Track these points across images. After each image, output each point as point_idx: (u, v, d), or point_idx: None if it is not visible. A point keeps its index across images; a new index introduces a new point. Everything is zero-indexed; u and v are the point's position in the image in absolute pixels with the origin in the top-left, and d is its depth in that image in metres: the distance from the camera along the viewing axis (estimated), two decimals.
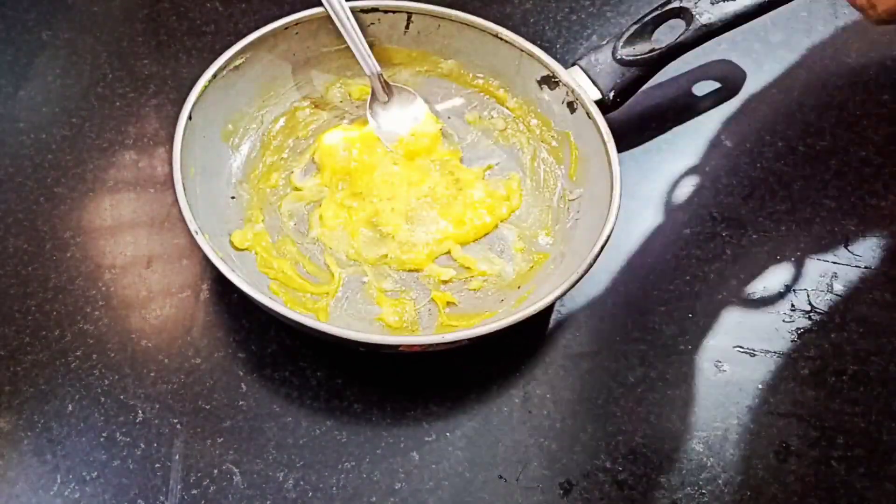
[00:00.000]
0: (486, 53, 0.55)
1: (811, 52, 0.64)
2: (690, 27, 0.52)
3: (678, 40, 0.52)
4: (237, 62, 0.51)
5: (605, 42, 0.54)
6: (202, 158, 0.50)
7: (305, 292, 0.49)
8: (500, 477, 0.45)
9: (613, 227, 0.46)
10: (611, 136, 0.50)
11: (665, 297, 0.52)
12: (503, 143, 0.56)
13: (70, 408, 0.46)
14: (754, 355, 0.50)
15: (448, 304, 0.49)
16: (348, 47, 0.53)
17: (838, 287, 0.53)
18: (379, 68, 0.54)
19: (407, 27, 0.55)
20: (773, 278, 0.53)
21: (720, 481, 0.45)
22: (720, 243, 0.54)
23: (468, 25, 0.54)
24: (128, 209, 0.53)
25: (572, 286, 0.44)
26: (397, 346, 0.44)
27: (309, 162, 0.55)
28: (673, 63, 0.54)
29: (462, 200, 0.53)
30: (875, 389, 0.49)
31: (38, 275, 0.50)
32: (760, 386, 0.49)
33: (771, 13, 0.54)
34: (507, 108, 0.57)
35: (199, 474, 0.44)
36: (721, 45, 0.62)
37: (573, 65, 0.54)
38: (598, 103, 0.52)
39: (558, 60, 0.53)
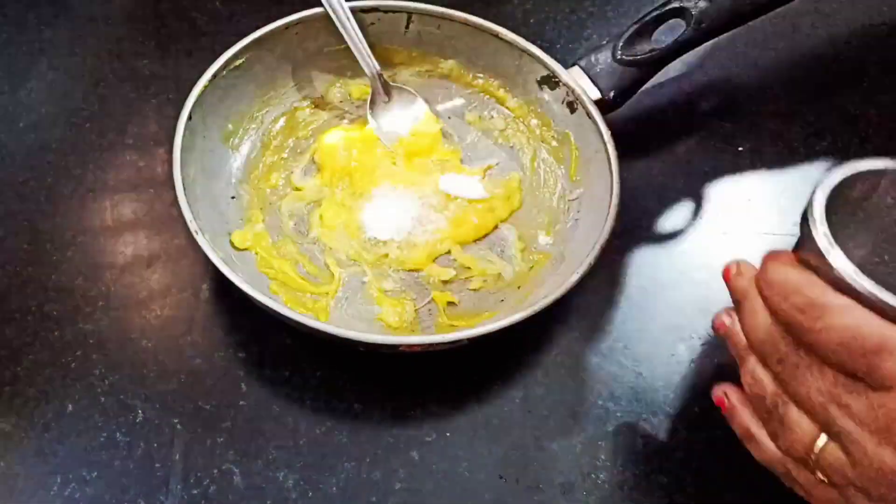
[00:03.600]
0: (486, 53, 0.55)
1: (811, 51, 0.64)
2: (690, 27, 0.52)
3: (678, 40, 0.52)
4: (237, 62, 0.51)
5: (605, 42, 0.54)
6: (202, 158, 0.50)
7: (305, 292, 0.49)
8: (500, 477, 0.45)
9: (613, 227, 0.46)
10: (611, 136, 0.50)
11: (665, 297, 0.52)
12: (503, 143, 0.56)
13: (70, 408, 0.45)
14: None
15: (448, 303, 0.49)
16: (348, 47, 0.54)
17: None
18: (379, 68, 0.54)
19: (407, 27, 0.55)
20: None
21: (721, 482, 0.45)
22: (721, 244, 0.54)
23: (468, 25, 0.54)
24: (128, 209, 0.53)
25: (572, 286, 0.44)
26: (397, 346, 0.44)
27: (309, 162, 0.55)
28: (673, 63, 0.54)
29: (462, 200, 0.53)
30: None
31: (38, 275, 0.50)
32: None
33: (771, 13, 0.54)
34: (507, 108, 0.57)
35: (199, 474, 0.44)
36: (721, 44, 0.62)
37: (573, 65, 0.54)
38: (598, 103, 0.52)
39: (558, 60, 0.53)
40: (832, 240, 0.32)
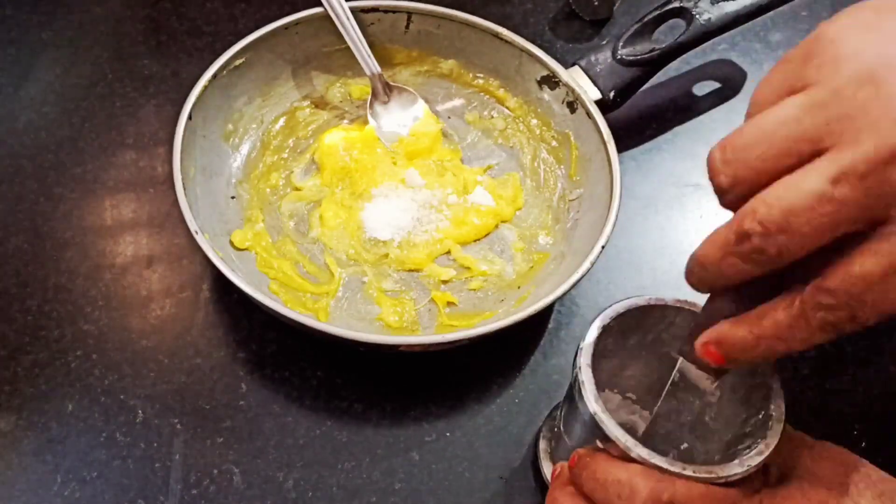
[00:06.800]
0: (486, 53, 0.55)
1: None
2: (690, 27, 0.52)
3: (678, 40, 0.53)
4: (237, 62, 0.51)
5: (605, 42, 0.54)
6: (202, 158, 0.50)
7: (305, 292, 0.49)
8: (500, 477, 0.45)
9: (613, 227, 0.46)
10: (611, 136, 0.50)
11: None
12: (503, 143, 0.56)
13: (70, 408, 0.45)
14: None
15: (448, 303, 0.49)
16: (348, 47, 0.54)
17: None
18: (379, 68, 0.54)
19: (407, 27, 0.55)
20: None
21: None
22: None
23: (468, 25, 0.54)
24: (128, 209, 0.53)
25: (572, 286, 0.44)
26: (397, 346, 0.44)
27: (309, 162, 0.55)
28: (673, 63, 0.54)
29: (463, 200, 0.53)
30: (875, 390, 0.49)
31: (38, 275, 0.50)
32: None
33: (771, 13, 0.54)
34: (507, 108, 0.57)
35: (199, 474, 0.44)
36: (721, 45, 0.63)
37: (573, 65, 0.54)
38: (598, 103, 0.52)
39: (558, 60, 0.53)
40: (609, 421, 0.34)
